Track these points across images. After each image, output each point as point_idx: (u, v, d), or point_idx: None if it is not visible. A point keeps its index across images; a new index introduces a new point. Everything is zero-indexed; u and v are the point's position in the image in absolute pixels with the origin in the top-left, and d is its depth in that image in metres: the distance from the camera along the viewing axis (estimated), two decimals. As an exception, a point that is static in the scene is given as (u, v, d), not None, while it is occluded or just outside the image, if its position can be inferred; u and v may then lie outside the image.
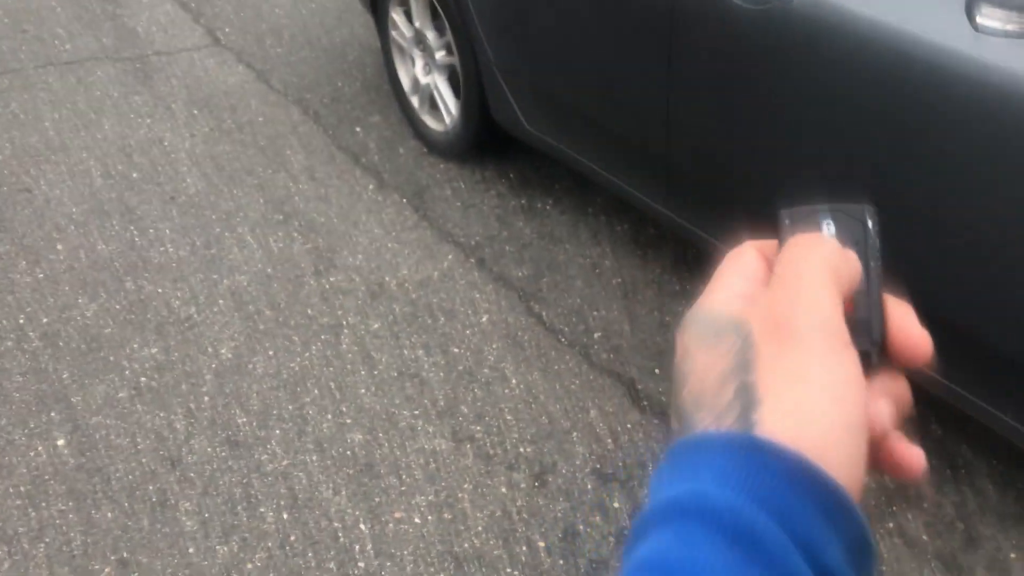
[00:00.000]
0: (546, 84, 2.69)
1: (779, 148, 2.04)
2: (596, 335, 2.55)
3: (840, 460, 0.36)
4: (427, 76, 3.28)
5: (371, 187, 3.22)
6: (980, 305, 1.76)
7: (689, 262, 2.76)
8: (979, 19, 1.42)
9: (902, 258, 1.83)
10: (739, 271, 0.43)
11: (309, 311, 2.71)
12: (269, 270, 2.87)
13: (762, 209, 2.13)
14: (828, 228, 0.42)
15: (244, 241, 2.99)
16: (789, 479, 0.34)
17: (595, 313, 2.62)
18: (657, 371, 2.42)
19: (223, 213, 3.12)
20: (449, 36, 3.03)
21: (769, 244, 0.43)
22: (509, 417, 2.33)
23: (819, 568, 0.34)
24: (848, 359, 0.37)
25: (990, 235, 1.67)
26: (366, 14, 4.27)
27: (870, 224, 0.41)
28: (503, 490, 2.16)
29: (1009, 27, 1.40)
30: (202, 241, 2.99)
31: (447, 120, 3.24)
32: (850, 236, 0.41)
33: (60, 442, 2.34)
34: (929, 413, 2.24)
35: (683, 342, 0.42)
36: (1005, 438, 1.86)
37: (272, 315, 2.70)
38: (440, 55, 3.15)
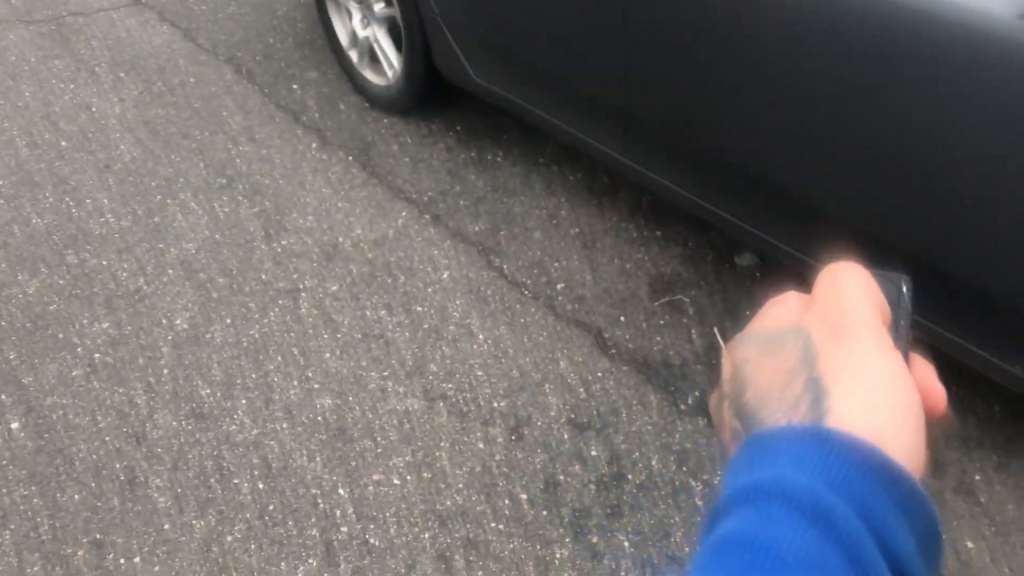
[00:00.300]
0: (496, 35, 2.64)
1: (737, 95, 2.04)
2: (559, 286, 2.54)
3: (906, 443, 0.38)
4: (366, 29, 3.19)
5: (314, 146, 3.14)
6: (942, 237, 1.80)
7: (644, 210, 2.77)
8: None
9: (853, 186, 1.87)
10: (784, 307, 0.45)
11: (263, 276, 2.64)
12: (217, 236, 2.78)
13: (721, 155, 2.14)
14: None
15: (188, 207, 2.90)
16: (864, 469, 0.36)
17: (556, 264, 2.61)
18: (622, 319, 2.43)
19: (162, 180, 3.01)
20: (389, -13, 2.94)
21: (808, 296, 0.46)
22: (480, 373, 2.32)
23: (890, 555, 0.36)
24: (898, 356, 0.40)
25: (964, 173, 1.70)
26: (291, -34, 4.14)
27: (905, 290, 0.45)
28: (480, 446, 2.16)
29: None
30: (144, 210, 2.89)
31: (389, 74, 3.17)
32: (886, 296, 0.44)
33: (14, 425, 2.26)
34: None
35: (742, 354, 0.44)
36: (964, 364, 1.93)
37: (225, 282, 2.63)
38: (379, 7, 3.07)
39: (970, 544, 1.90)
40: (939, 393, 0.42)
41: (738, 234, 2.29)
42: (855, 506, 0.35)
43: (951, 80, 1.62)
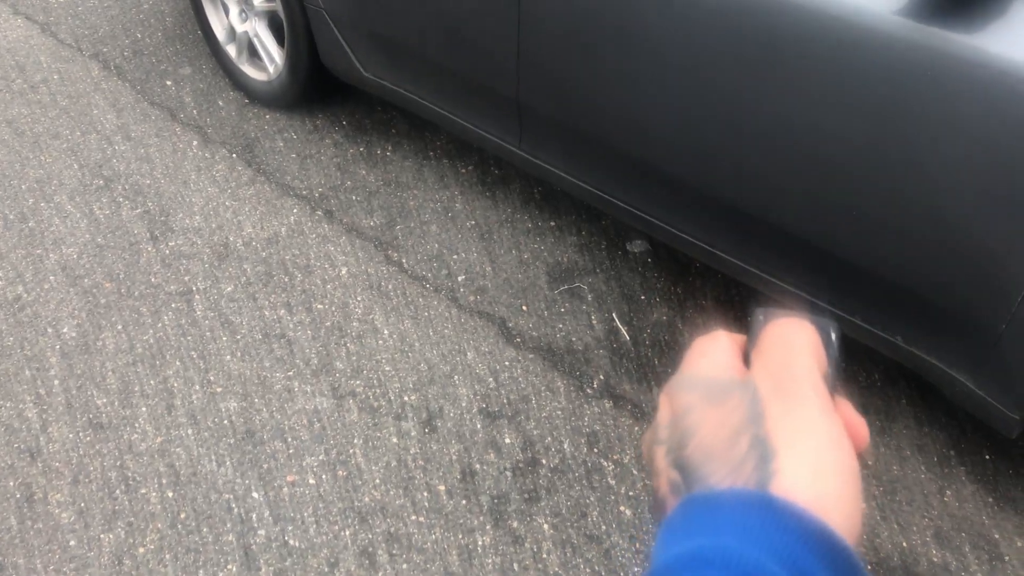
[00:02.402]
0: (385, 29, 2.63)
1: (632, 85, 2.11)
2: (460, 278, 2.57)
3: (847, 509, 0.39)
4: (244, 24, 3.12)
5: (195, 143, 3.05)
6: (820, 216, 1.93)
7: (537, 200, 2.82)
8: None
9: (763, 181, 1.97)
10: (719, 349, 0.46)
11: (153, 279, 2.56)
12: (99, 240, 2.67)
13: (612, 144, 2.20)
14: None
15: (64, 210, 2.77)
16: (808, 541, 0.37)
17: (455, 256, 2.64)
18: (524, 308, 2.48)
19: (33, 182, 2.87)
20: (269, -20, 2.89)
21: (739, 336, 0.48)
22: (388, 368, 2.33)
23: None
24: (839, 419, 0.42)
25: (842, 158, 1.82)
26: (154, -43, 3.99)
27: (834, 336, 0.47)
28: (394, 440, 2.17)
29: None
30: (15, 214, 2.74)
31: (271, 69, 3.11)
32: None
33: None
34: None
35: (684, 402, 0.43)
36: (848, 337, 2.07)
37: (112, 287, 2.53)
38: (259, 1, 3.01)
39: (862, 505, 2.04)
40: (862, 426, 0.44)
41: (629, 221, 2.37)
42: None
43: (827, 70, 1.74)
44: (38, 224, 2.71)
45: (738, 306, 2.49)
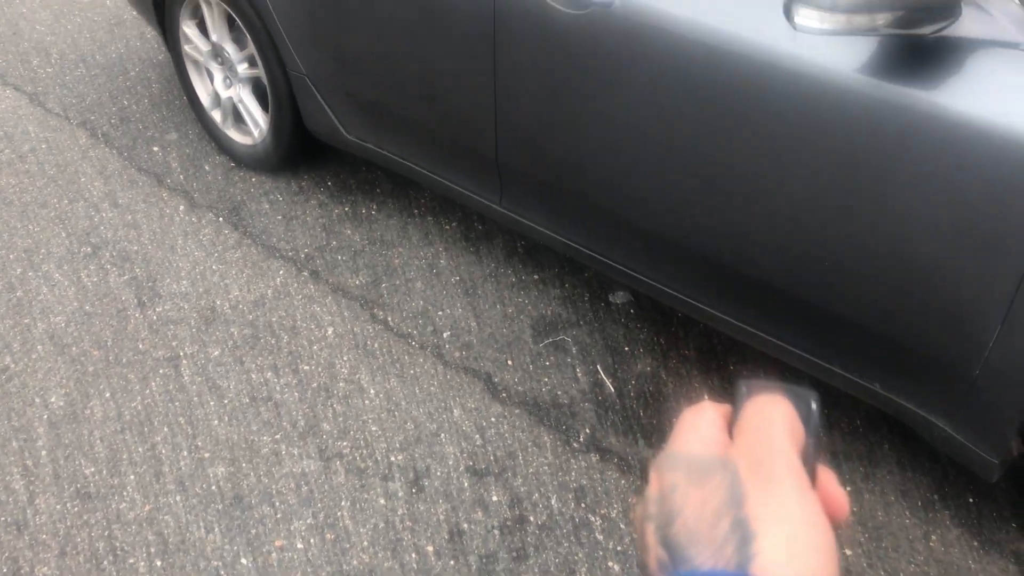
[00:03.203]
0: (366, 92, 2.68)
1: (608, 144, 2.16)
2: (445, 334, 2.59)
3: None
4: (229, 90, 3.18)
5: (182, 208, 3.09)
6: (795, 266, 1.96)
7: (521, 254, 2.86)
8: (796, 19, 1.58)
9: (737, 233, 2.01)
10: (706, 422, 0.48)
11: (140, 345, 2.58)
12: (87, 307, 2.70)
13: (591, 199, 2.24)
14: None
15: (52, 279, 2.79)
16: None
17: (440, 313, 2.66)
18: (510, 362, 2.50)
19: (21, 251, 2.90)
20: (251, 48, 2.95)
21: (724, 406, 0.50)
22: (374, 428, 2.34)
23: None
24: (816, 499, 0.44)
25: (811, 210, 1.86)
26: (141, 25, 4.08)
27: (814, 407, 0.48)
28: (381, 501, 2.18)
29: (824, 25, 1.58)
30: (3, 284, 2.77)
31: (255, 133, 3.16)
32: (797, 411, 0.48)
33: None
34: (757, 368, 2.46)
35: (670, 479, 0.45)
36: (827, 383, 2.09)
37: (100, 355, 2.55)
38: (243, 68, 3.06)
39: (848, 552, 2.04)
40: (843, 498, 0.46)
41: (610, 274, 2.40)
42: None
43: (794, 126, 1.78)
44: (26, 293, 2.74)
45: (720, 355, 2.51)
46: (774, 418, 0.46)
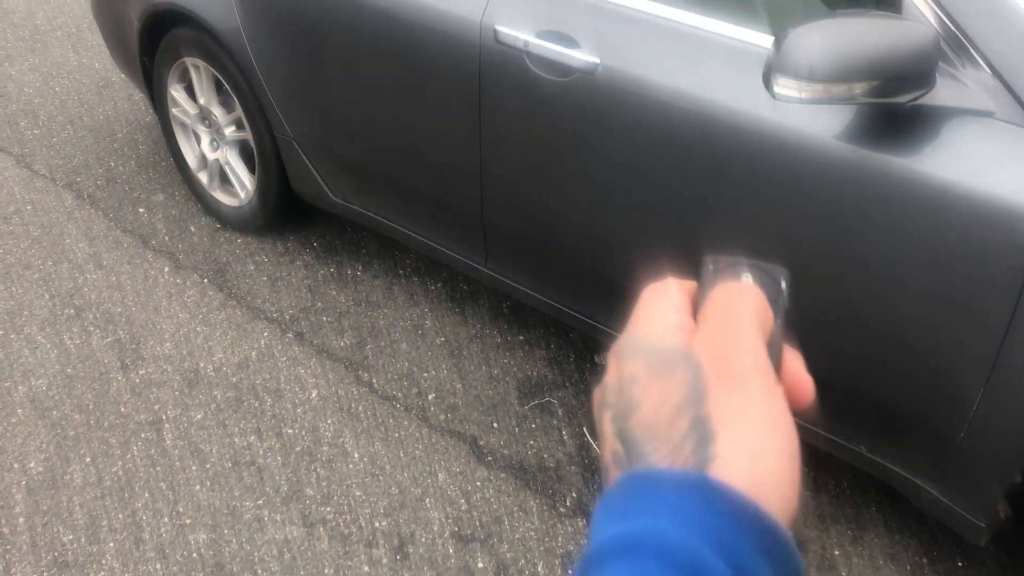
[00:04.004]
0: (352, 155, 2.71)
1: (593, 206, 2.18)
2: (430, 396, 2.58)
3: (785, 492, 0.39)
4: (216, 152, 3.19)
5: (167, 270, 3.08)
6: (791, 334, 1.96)
7: (506, 315, 2.86)
8: (776, 88, 1.61)
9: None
10: (668, 303, 0.45)
11: (122, 409, 2.55)
12: (69, 370, 2.67)
13: (584, 261, 2.25)
14: (747, 279, 0.46)
15: (34, 342, 2.77)
16: (743, 525, 0.37)
17: (425, 374, 2.65)
18: (495, 425, 2.49)
19: (4, 313, 2.88)
20: (239, 111, 2.97)
21: (689, 282, 0.47)
22: (358, 493, 2.31)
23: None
24: (781, 395, 0.42)
25: (792, 274, 1.88)
26: (128, 87, 4.12)
27: (783, 285, 0.46)
28: (365, 568, 2.14)
29: (803, 95, 1.61)
30: (-15, 347, 2.75)
31: (242, 195, 3.17)
32: (764, 289, 0.45)
33: None
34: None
35: (630, 369, 0.43)
36: (815, 446, 2.09)
37: (81, 419, 2.52)
38: (230, 131, 3.09)
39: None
40: (807, 384, 0.44)
41: (596, 334, 2.41)
42: (731, 565, 0.36)
43: (776, 190, 1.80)
44: (7, 356, 2.71)
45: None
46: (741, 308, 0.43)
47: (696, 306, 0.45)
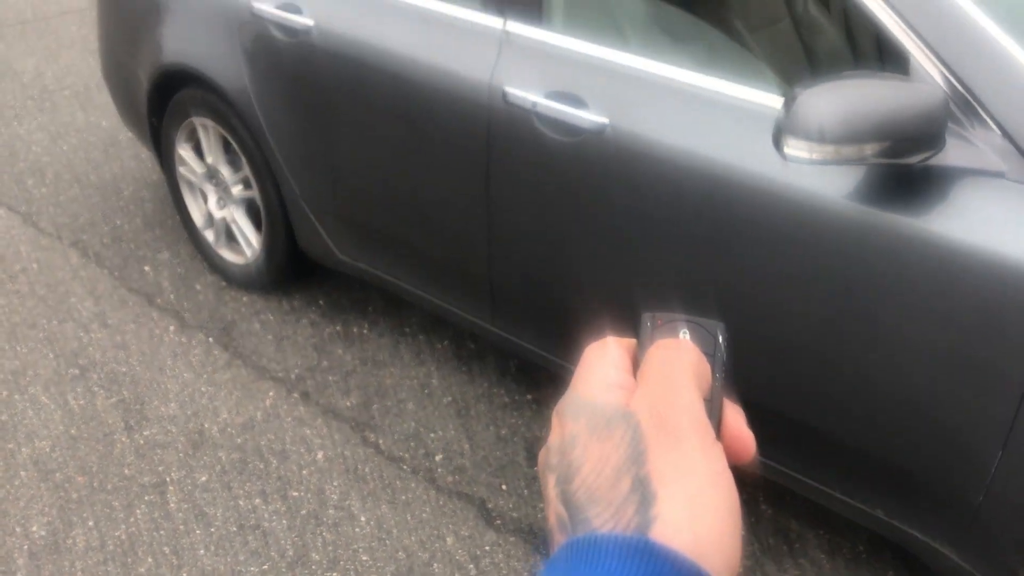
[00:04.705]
0: (360, 214, 2.71)
1: (600, 266, 2.17)
2: (437, 457, 2.55)
3: (726, 551, 0.39)
4: (222, 211, 3.20)
5: (172, 328, 3.07)
6: (806, 395, 1.95)
7: (514, 373, 2.84)
8: (786, 149, 1.62)
9: (738, 359, 2.00)
10: (608, 362, 0.46)
11: (126, 471, 2.52)
12: (73, 431, 2.65)
13: (592, 320, 2.24)
14: (684, 335, 0.47)
15: (38, 402, 2.75)
16: None
17: (432, 435, 2.63)
18: (504, 487, 2.46)
19: (8, 373, 2.86)
20: (246, 170, 2.99)
21: (628, 340, 0.48)
22: (365, 557, 2.27)
23: None
24: (720, 452, 0.42)
25: (805, 335, 1.86)
26: (135, 145, 4.15)
27: (721, 339, 0.47)
28: (372, 635, 2.10)
29: (813, 156, 1.61)
30: (-12, 408, 2.72)
31: (248, 253, 3.17)
32: (702, 345, 0.46)
33: None
34: (757, 494, 2.42)
35: (571, 430, 0.43)
36: (830, 509, 2.05)
37: (85, 481, 2.49)
38: (237, 190, 3.10)
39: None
40: (748, 439, 0.45)
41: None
42: None
43: (785, 251, 1.80)
44: (11, 417, 2.69)
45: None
46: (678, 366, 0.44)
47: (636, 363, 0.46)
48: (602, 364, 0.46)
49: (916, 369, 1.74)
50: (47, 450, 2.58)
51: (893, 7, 1.71)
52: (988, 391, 1.67)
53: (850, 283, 1.76)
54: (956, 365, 1.69)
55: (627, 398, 0.44)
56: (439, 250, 2.56)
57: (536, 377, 2.81)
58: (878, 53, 2.76)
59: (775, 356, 1.94)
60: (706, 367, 0.45)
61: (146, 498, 2.44)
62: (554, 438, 0.45)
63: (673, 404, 0.42)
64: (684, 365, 0.44)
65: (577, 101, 2.08)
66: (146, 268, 3.38)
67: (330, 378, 2.85)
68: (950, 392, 1.72)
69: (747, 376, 2.02)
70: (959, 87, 1.65)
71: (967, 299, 1.63)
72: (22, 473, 2.51)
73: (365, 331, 3.05)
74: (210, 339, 3.02)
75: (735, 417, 0.46)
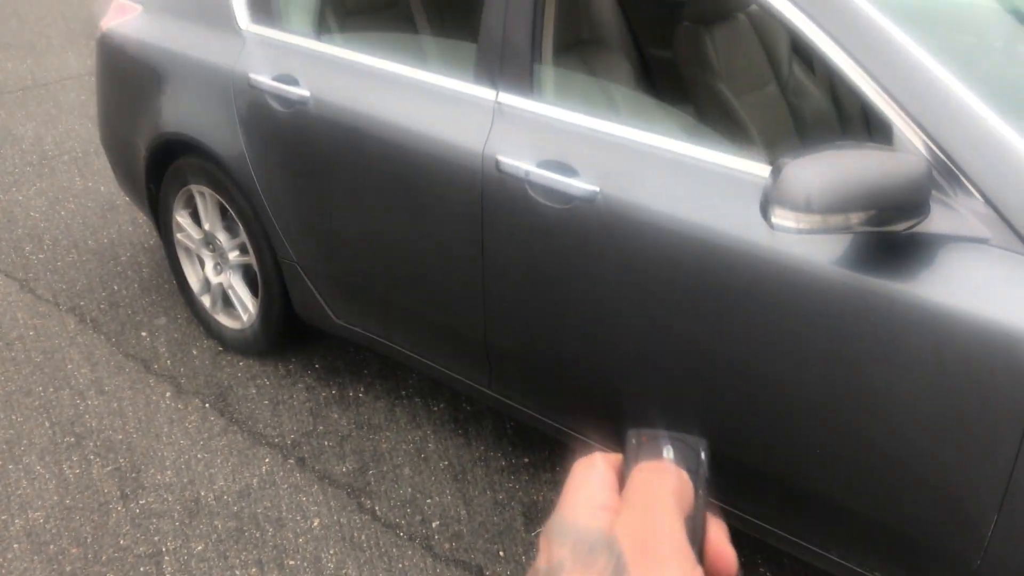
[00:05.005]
0: (356, 279, 2.74)
1: (595, 330, 2.19)
2: (434, 524, 2.54)
3: None
4: (219, 276, 3.23)
5: (168, 395, 3.07)
6: (802, 460, 1.95)
7: (511, 436, 2.84)
8: (774, 219, 1.65)
9: (727, 422, 2.01)
10: (595, 481, 0.47)
11: (121, 541, 2.51)
12: (68, 501, 2.64)
13: (588, 384, 2.25)
14: (668, 453, 0.48)
15: (33, 472, 2.74)
16: None
17: (429, 500, 2.62)
18: (501, 553, 2.44)
19: (3, 443, 2.85)
20: (243, 236, 3.02)
21: (615, 456, 0.49)
22: (362, 626, 2.26)
23: None
24: None
25: (799, 400, 1.88)
26: (133, 210, 4.19)
27: (703, 456, 0.48)
28: None
29: (801, 225, 1.64)
30: (-17, 478, 2.71)
31: (244, 318, 3.19)
32: (685, 462, 0.47)
33: None
34: (755, 557, 2.41)
35: (557, 555, 0.44)
36: (824, 570, 2.05)
37: (79, 553, 2.47)
38: (234, 255, 3.13)
39: None
40: (730, 556, 0.46)
41: (604, 459, 2.38)
42: None
43: (777, 316, 1.82)
44: (5, 488, 2.68)
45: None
46: (660, 491, 0.45)
47: (623, 479, 0.47)
48: (588, 484, 0.47)
49: (910, 432, 1.75)
50: (41, 521, 2.57)
51: (875, 78, 1.76)
52: (982, 454, 1.68)
53: (842, 348, 1.77)
54: (950, 428, 1.70)
55: (612, 521, 0.45)
56: (435, 314, 2.58)
57: (533, 439, 2.81)
58: (864, 115, 2.82)
59: (770, 420, 1.95)
60: (689, 487, 0.46)
61: (141, 569, 2.42)
62: (541, 562, 0.45)
63: (655, 530, 0.43)
64: (666, 489, 0.45)
65: (568, 170, 2.11)
66: (143, 333, 3.39)
67: (326, 443, 2.85)
68: (945, 455, 1.73)
69: (744, 440, 2.03)
70: (941, 156, 1.69)
71: (957, 363, 1.65)
72: (15, 546, 2.49)
73: (361, 394, 3.06)
74: (206, 405, 3.03)
75: (717, 533, 0.47)
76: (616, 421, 2.30)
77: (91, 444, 2.85)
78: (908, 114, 1.72)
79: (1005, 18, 2.42)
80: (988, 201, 1.65)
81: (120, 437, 2.88)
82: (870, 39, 1.78)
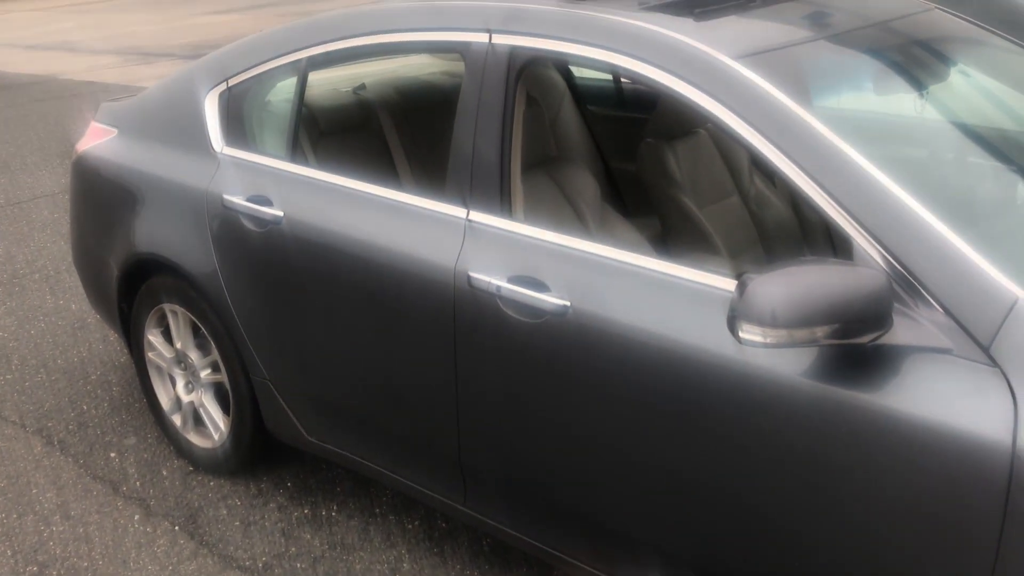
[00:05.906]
0: (329, 396, 2.72)
1: (569, 445, 2.19)
2: (410, 648, 2.47)
3: None
4: (190, 395, 3.20)
5: (137, 518, 3.00)
6: (779, 571, 1.94)
7: (487, 554, 2.79)
8: (741, 333, 1.68)
9: (703, 535, 2.00)
10: None
11: (84, 676, 2.41)
12: (29, 635, 2.54)
13: (563, 500, 2.23)
14: None
15: (-6, 604, 2.65)
16: None
17: (404, 623, 2.55)
18: (480, 677, 2.37)
19: (-37, 574, 2.77)
20: (215, 355, 3.01)
21: None
22: None
23: None
24: None
25: (772, 511, 1.88)
26: (103, 328, 4.17)
27: None
28: None
29: (767, 340, 1.67)
30: (-59, 612, 2.62)
31: (215, 437, 3.15)
32: None
33: None
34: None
35: None
36: None
37: None
38: (205, 374, 3.11)
39: None
40: None
41: (578, 574, 2.35)
42: None
43: (744, 427, 1.83)
44: (-36, 622, 2.59)
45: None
46: None
47: None
48: None
49: (887, 540, 1.75)
50: (1, 656, 2.47)
51: (831, 194, 1.82)
52: (960, 560, 1.68)
53: (812, 460, 1.78)
54: (926, 534, 1.70)
55: None
56: (409, 431, 2.57)
57: (510, 557, 2.77)
58: (825, 224, 2.90)
59: (744, 532, 1.94)
60: None
61: None
62: None
63: None
64: None
65: (539, 285, 2.15)
66: (112, 454, 3.33)
67: (298, 565, 2.78)
68: (923, 562, 1.72)
69: (717, 553, 2.01)
70: (900, 269, 1.73)
71: (928, 472, 1.66)
72: None
73: (334, 513, 3.01)
74: (176, 527, 2.96)
75: None
76: (593, 538, 2.27)
77: (54, 573, 2.77)
78: (866, 229, 1.77)
79: (953, 131, 2.52)
80: (948, 312, 1.69)
81: (86, 564, 2.80)
82: (824, 157, 1.85)
